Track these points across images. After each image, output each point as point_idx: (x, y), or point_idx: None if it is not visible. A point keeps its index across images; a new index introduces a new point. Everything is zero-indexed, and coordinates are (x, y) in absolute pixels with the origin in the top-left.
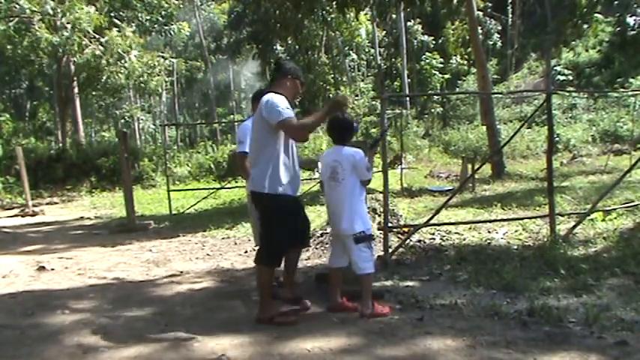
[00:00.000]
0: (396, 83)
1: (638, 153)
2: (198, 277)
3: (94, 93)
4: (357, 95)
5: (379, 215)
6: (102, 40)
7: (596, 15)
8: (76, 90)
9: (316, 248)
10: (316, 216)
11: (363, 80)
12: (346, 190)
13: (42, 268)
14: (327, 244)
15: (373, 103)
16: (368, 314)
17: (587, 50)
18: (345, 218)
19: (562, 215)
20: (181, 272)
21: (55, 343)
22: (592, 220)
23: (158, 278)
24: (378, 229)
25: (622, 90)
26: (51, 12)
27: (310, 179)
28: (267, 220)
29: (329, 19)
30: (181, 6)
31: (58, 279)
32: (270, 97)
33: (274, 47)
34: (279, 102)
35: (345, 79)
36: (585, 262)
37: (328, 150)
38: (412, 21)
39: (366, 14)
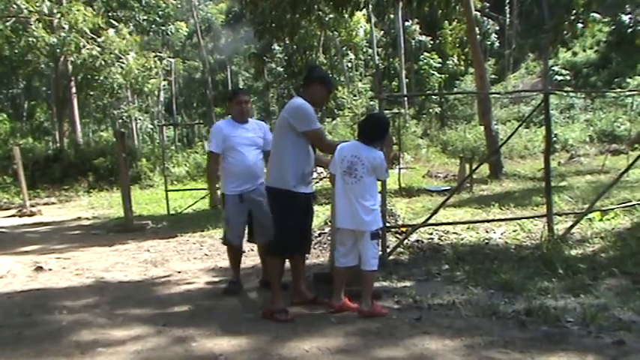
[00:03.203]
0: (394, 83)
1: (636, 153)
2: (196, 277)
3: (91, 93)
4: (355, 95)
5: None
6: (99, 40)
7: (592, 15)
8: (73, 90)
9: (314, 248)
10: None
11: (361, 80)
12: (365, 187)
13: (39, 269)
14: (325, 243)
15: (371, 103)
16: (366, 311)
17: (584, 50)
18: (365, 214)
19: (560, 215)
20: (179, 272)
21: (53, 343)
22: (590, 219)
23: (156, 278)
24: None
25: (619, 90)
26: (47, 12)
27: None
28: (281, 214)
29: (326, 19)
30: (179, 6)
31: (56, 279)
32: (299, 103)
33: (272, 47)
34: (308, 111)
35: (343, 79)
36: (583, 262)
37: (347, 143)
38: (410, 21)
39: (364, 15)
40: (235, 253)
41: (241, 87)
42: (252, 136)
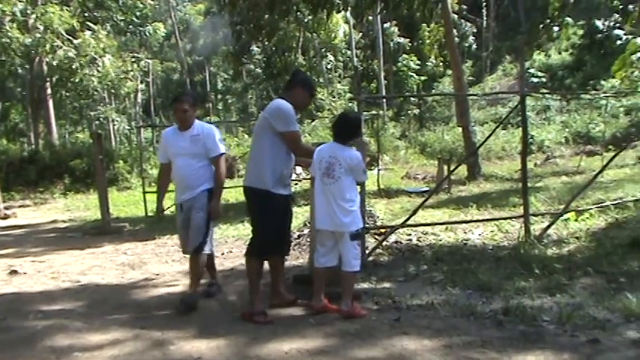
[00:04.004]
0: (372, 85)
1: (610, 154)
2: (174, 280)
3: (67, 94)
4: (334, 97)
5: None
6: (75, 42)
7: (566, 19)
8: (49, 91)
9: (293, 250)
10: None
11: (340, 82)
12: (343, 187)
13: (14, 272)
14: (304, 245)
15: (350, 104)
16: (346, 311)
17: (559, 53)
18: (343, 215)
19: (536, 215)
20: (157, 275)
21: (28, 348)
22: (565, 220)
23: (133, 281)
24: None
25: (594, 92)
26: (20, 13)
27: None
28: (260, 215)
29: (305, 20)
30: (157, 6)
31: (31, 283)
32: (281, 104)
33: (250, 49)
34: (289, 113)
35: (322, 81)
36: (559, 262)
37: (325, 145)
38: (388, 23)
39: (343, 16)
40: (190, 260)
41: (218, 87)
42: (187, 145)
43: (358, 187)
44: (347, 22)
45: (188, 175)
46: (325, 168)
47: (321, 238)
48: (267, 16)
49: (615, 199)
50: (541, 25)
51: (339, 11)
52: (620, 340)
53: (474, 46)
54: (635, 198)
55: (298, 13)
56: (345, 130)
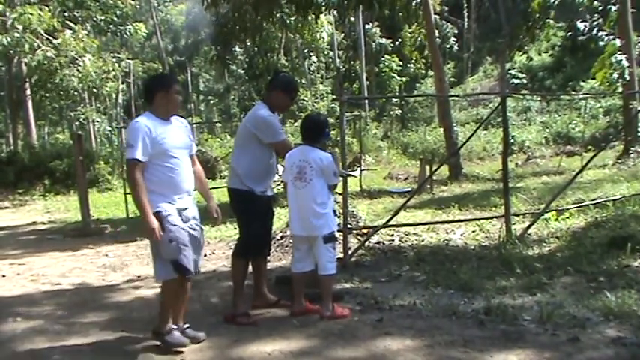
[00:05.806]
0: (355, 85)
1: (589, 154)
2: (156, 282)
3: (47, 95)
4: (316, 98)
5: (339, 217)
6: (55, 42)
7: (548, 20)
8: (28, 92)
9: (276, 251)
10: (275, 218)
11: (322, 83)
12: (314, 190)
13: None
14: (287, 246)
15: (332, 105)
16: (328, 316)
17: (539, 54)
18: (315, 219)
19: (517, 215)
20: (139, 277)
21: (7, 352)
22: (546, 220)
23: (114, 283)
24: (338, 231)
25: (573, 93)
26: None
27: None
28: (246, 216)
29: (288, 21)
30: (138, 6)
31: (10, 285)
32: (261, 115)
33: (233, 49)
34: (273, 123)
35: (304, 82)
36: (539, 261)
37: (294, 150)
38: (370, 24)
39: (327, 19)
40: (182, 287)
41: (200, 88)
42: (182, 138)
43: (340, 188)
44: (332, 22)
45: (190, 176)
46: (297, 172)
47: (296, 243)
48: (248, 16)
49: (595, 199)
50: (524, 27)
51: (321, 13)
52: (599, 338)
53: (455, 48)
54: (614, 198)
55: (282, 14)
56: (313, 131)
